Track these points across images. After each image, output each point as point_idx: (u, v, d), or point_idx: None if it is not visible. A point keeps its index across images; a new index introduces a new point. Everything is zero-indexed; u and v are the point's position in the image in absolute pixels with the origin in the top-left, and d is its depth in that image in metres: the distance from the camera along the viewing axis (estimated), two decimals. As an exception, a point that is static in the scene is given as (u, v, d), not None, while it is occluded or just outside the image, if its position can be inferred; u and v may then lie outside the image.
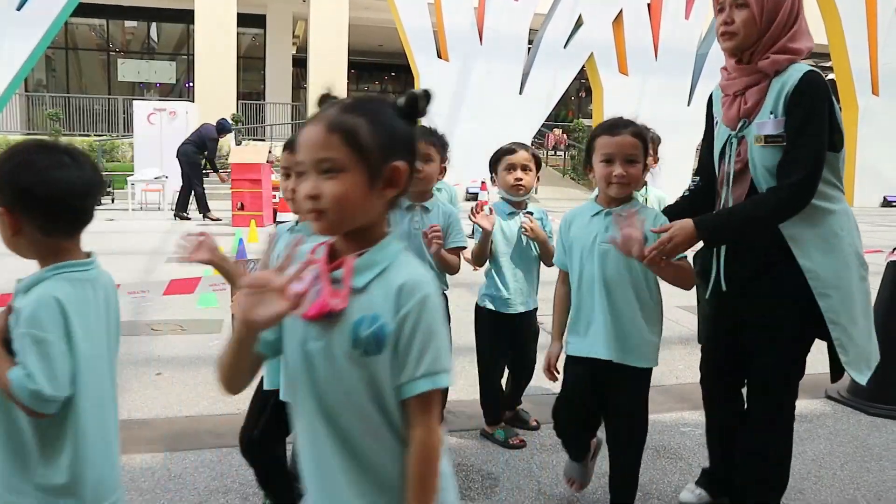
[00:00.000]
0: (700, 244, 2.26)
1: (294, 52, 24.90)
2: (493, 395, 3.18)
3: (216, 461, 2.87)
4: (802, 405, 3.69)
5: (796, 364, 2.32)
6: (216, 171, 12.09)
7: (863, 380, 2.22)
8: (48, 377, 1.36)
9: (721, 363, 2.51)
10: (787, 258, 2.16)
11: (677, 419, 3.45)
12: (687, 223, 2.12)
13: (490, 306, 3.06)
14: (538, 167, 3.07)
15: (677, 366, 4.30)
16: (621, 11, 17.22)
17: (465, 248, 2.74)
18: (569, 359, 2.43)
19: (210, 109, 18.03)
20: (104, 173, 14.46)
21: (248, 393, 3.56)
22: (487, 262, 3.06)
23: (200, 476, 2.78)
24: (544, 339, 2.88)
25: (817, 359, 4.56)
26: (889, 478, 2.95)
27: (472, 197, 14.29)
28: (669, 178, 19.26)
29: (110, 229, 10.06)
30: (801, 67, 2.12)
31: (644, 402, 2.41)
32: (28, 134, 19.67)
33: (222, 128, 11.74)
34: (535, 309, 3.14)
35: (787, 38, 2.13)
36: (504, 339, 3.10)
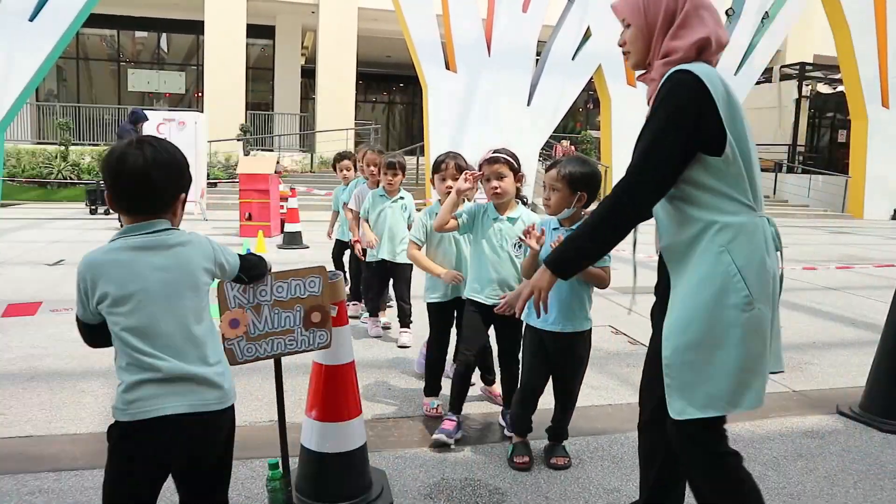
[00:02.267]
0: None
1: (303, 62, 25.03)
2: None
3: (221, 474, 2.85)
4: (813, 421, 3.66)
5: None
6: None
7: (674, 414, 1.90)
8: None
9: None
10: None
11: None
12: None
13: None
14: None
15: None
16: (629, 23, 17.24)
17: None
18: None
19: (219, 119, 18.16)
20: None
21: (254, 405, 3.55)
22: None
23: (205, 489, 2.75)
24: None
25: (828, 373, 4.55)
26: (903, 496, 2.89)
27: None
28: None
29: (118, 238, 10.07)
30: (676, 69, 1.89)
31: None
32: (38, 143, 19.81)
33: (137, 118, 11.75)
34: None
35: (670, 36, 1.95)
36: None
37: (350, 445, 2.54)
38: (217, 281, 2.08)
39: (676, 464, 2.17)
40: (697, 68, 1.87)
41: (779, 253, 1.95)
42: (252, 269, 2.09)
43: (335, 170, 6.28)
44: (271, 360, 2.38)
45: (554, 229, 2.93)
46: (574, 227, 2.82)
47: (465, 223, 3.29)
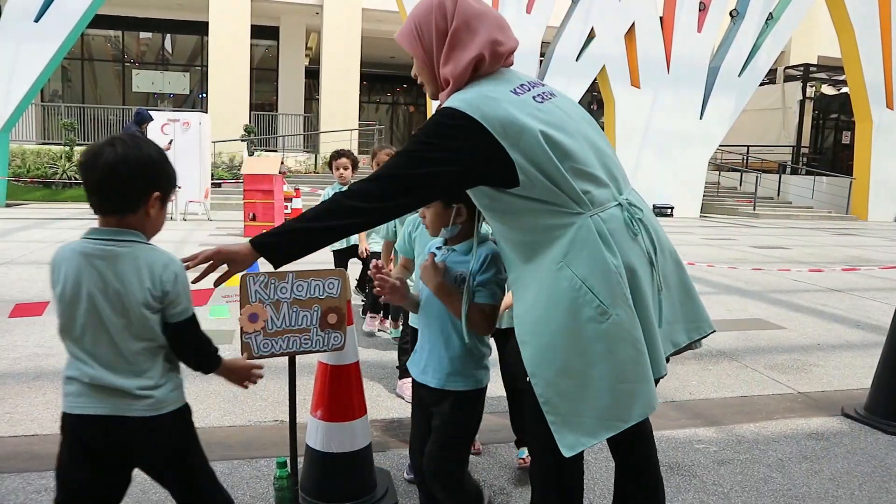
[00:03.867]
0: None
1: (307, 63, 25.07)
2: None
3: (226, 473, 2.86)
4: (818, 423, 3.65)
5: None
6: None
7: (567, 450, 1.73)
8: None
9: None
10: None
11: (691, 436, 3.41)
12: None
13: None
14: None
15: (690, 381, 4.26)
16: (633, 24, 17.25)
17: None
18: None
19: (223, 120, 18.20)
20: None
21: (259, 405, 3.56)
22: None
23: (210, 488, 2.76)
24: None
25: (833, 375, 4.54)
26: (908, 498, 2.89)
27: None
28: (682, 191, 19.12)
29: (123, 239, 10.09)
30: (445, 106, 1.77)
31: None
32: (43, 143, 19.86)
33: (141, 118, 11.68)
34: None
35: (441, 63, 1.83)
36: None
37: (355, 445, 2.55)
38: (241, 274, 2.08)
39: (645, 461, 2.11)
40: (467, 99, 1.74)
41: (639, 237, 1.78)
42: (186, 337, 1.74)
43: (331, 168, 5.75)
44: (274, 360, 2.39)
45: (437, 248, 2.17)
46: (460, 249, 2.10)
47: (405, 247, 2.84)
